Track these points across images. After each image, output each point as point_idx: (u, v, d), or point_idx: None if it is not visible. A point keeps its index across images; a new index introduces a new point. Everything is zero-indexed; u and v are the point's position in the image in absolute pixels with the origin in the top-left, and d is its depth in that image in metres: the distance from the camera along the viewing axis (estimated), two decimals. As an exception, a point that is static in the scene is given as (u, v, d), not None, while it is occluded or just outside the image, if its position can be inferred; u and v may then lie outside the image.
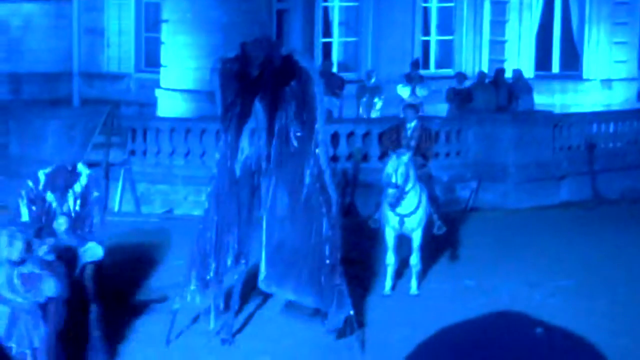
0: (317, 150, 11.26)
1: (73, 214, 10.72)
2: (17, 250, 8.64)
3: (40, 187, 10.86)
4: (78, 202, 10.81)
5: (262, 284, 11.74)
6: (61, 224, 10.48)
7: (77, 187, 10.86)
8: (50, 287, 8.71)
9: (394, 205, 13.14)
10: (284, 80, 11.27)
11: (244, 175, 11.56)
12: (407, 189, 13.10)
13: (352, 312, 11.26)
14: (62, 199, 10.81)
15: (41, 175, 10.98)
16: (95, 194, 10.96)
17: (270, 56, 11.22)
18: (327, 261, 11.17)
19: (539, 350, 10.76)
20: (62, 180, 10.88)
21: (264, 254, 11.64)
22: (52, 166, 11.12)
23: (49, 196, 10.82)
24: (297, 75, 11.24)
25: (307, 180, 11.28)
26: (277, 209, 11.52)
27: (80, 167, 11.16)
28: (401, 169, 12.94)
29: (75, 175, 10.95)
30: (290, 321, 11.94)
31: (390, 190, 13.00)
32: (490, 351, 10.78)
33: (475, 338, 11.40)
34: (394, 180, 12.93)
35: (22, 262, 8.67)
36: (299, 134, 11.30)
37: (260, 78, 11.25)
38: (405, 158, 13.02)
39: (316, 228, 11.22)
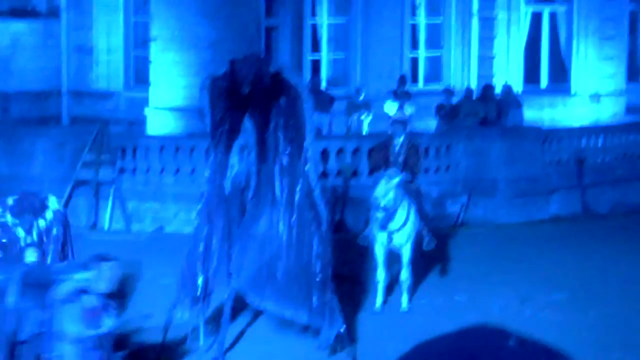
0: (306, 168, 11.29)
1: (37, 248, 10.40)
2: (66, 288, 8.54)
3: (7, 214, 10.64)
4: (43, 237, 10.58)
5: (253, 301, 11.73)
6: (30, 255, 10.13)
7: (42, 222, 10.65)
8: (110, 320, 8.61)
9: (383, 227, 13.20)
10: (273, 97, 11.30)
11: (234, 192, 11.57)
12: (396, 207, 13.13)
13: (343, 329, 11.26)
14: (28, 229, 10.58)
15: (10, 201, 10.78)
16: (54, 231, 10.68)
17: (259, 73, 11.26)
18: (318, 278, 11.18)
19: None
20: (29, 208, 10.66)
21: (255, 271, 11.61)
22: (19, 194, 10.94)
23: (12, 221, 10.60)
24: (286, 92, 11.27)
25: (297, 197, 11.29)
26: (266, 226, 11.47)
27: (52, 201, 10.94)
28: (390, 194, 13.00)
29: (43, 207, 10.73)
30: (282, 338, 11.92)
31: (379, 214, 13.06)
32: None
33: (466, 352, 11.40)
34: (382, 204, 12.98)
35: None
36: (288, 151, 11.31)
37: (250, 95, 11.27)
38: (395, 181, 13.06)
39: (307, 245, 11.23)
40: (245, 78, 11.22)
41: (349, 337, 11.39)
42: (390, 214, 13.09)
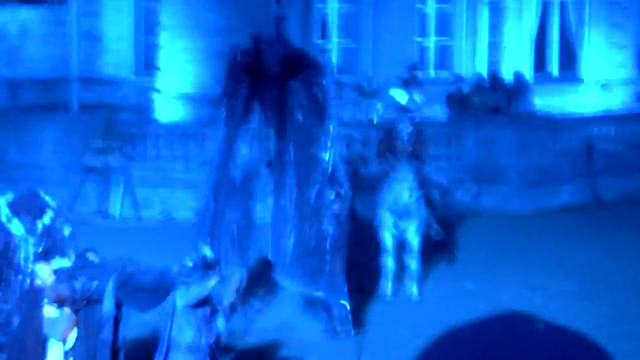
0: (328, 147, 11.14)
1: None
2: (193, 294, 8.37)
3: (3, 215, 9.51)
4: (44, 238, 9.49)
5: (276, 277, 11.69)
6: (40, 271, 8.81)
7: (40, 224, 9.51)
8: (221, 323, 8.50)
9: (395, 227, 13.29)
10: (297, 77, 11.15)
11: (243, 181, 11.50)
12: (408, 201, 13.20)
13: (347, 309, 11.30)
14: (30, 229, 9.46)
15: (9, 196, 9.69)
16: (55, 231, 9.49)
17: (286, 54, 11.15)
18: (329, 256, 11.14)
19: (543, 349, 10.75)
20: (29, 208, 9.54)
21: (277, 250, 11.54)
22: (14, 192, 9.84)
23: (7, 218, 9.48)
24: (310, 71, 11.14)
25: (319, 177, 11.20)
26: (287, 206, 11.40)
27: (49, 200, 9.75)
28: (403, 195, 13.07)
29: (42, 208, 9.58)
30: (294, 320, 11.91)
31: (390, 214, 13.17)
32: (495, 353, 10.76)
33: (478, 339, 11.38)
34: (394, 207, 13.09)
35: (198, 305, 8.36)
36: (310, 130, 11.17)
37: (275, 75, 11.14)
38: (406, 182, 13.11)
39: (323, 223, 11.18)
40: (271, 58, 11.11)
41: (354, 322, 11.41)
42: (401, 213, 13.19)
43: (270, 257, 11.69)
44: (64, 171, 17.87)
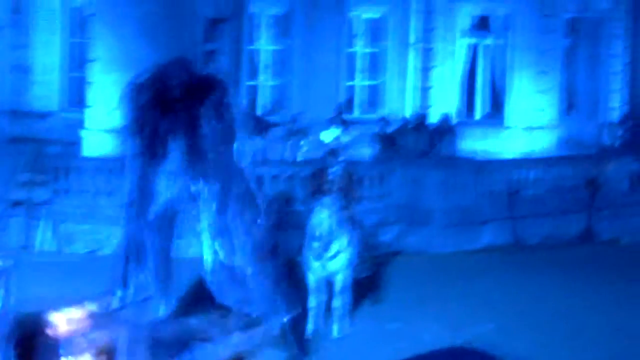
0: (240, 165, 10.89)
1: None
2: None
3: None
4: None
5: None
6: None
7: None
8: None
9: (318, 256, 13.28)
10: (203, 97, 10.75)
11: (161, 220, 10.96)
12: (331, 235, 13.21)
13: (287, 319, 11.13)
14: None
15: None
16: None
17: (188, 74, 10.79)
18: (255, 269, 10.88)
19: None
20: None
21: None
22: None
23: None
24: (214, 90, 10.78)
25: (235, 196, 10.87)
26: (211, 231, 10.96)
27: None
28: (326, 222, 13.08)
29: None
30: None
31: (315, 244, 13.15)
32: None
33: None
34: (318, 232, 13.08)
35: None
36: (222, 151, 10.81)
37: (180, 99, 10.72)
38: (329, 210, 13.15)
39: (249, 238, 10.85)
40: (174, 81, 10.73)
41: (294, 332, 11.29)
42: (326, 243, 13.19)
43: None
44: (-13, 204, 17.69)
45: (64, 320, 8.06)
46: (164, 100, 10.77)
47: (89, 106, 21.57)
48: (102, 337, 7.94)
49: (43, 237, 18.19)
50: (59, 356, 7.96)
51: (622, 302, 15.88)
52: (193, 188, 10.94)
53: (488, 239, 19.93)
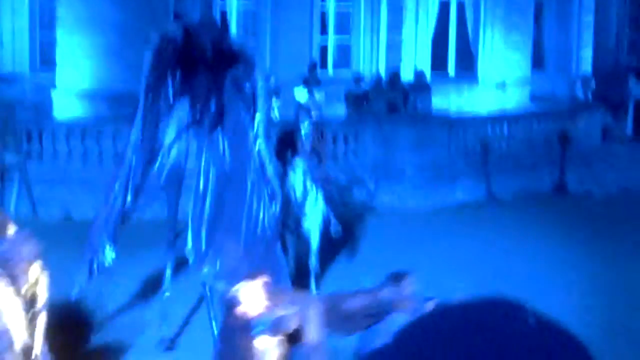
0: (257, 142, 10.58)
1: None
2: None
3: None
4: None
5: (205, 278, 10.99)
6: None
7: None
8: None
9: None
10: (229, 66, 10.48)
11: (171, 179, 10.81)
12: (305, 194, 13.24)
13: None
14: None
15: None
16: None
17: (218, 40, 10.44)
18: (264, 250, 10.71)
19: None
20: None
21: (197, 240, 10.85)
22: None
23: None
24: (241, 61, 10.49)
25: (249, 174, 10.58)
26: (218, 204, 10.75)
27: None
28: (299, 182, 13.11)
29: None
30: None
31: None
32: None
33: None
34: (298, 194, 13.12)
35: None
36: (240, 124, 10.57)
37: (206, 62, 10.40)
38: (300, 169, 13.16)
39: (258, 222, 10.57)
40: (202, 43, 10.33)
41: None
42: (300, 202, 13.22)
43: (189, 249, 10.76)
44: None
45: (250, 296, 7.54)
46: (189, 59, 10.39)
47: (58, 67, 21.43)
48: (291, 312, 7.49)
49: (15, 202, 18.11)
50: (251, 336, 7.54)
51: (595, 254, 16.02)
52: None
53: (461, 196, 20.01)
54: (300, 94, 21.22)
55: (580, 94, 26.42)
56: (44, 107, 21.51)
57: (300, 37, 23.36)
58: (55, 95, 21.48)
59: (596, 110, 23.48)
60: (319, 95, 21.36)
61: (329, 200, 13.79)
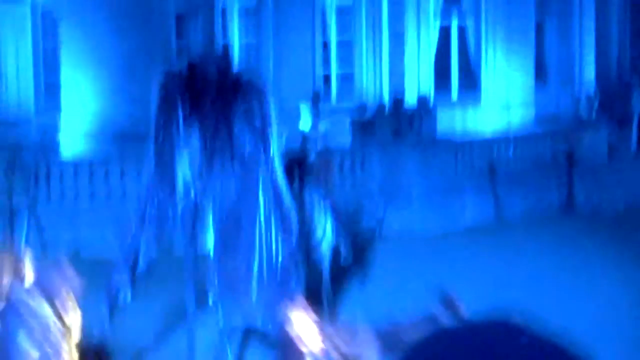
0: (275, 174, 10.44)
1: None
2: None
3: None
4: None
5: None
6: None
7: None
8: None
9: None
10: (237, 99, 10.33)
11: (185, 216, 10.55)
12: (312, 226, 13.25)
13: None
14: None
15: None
16: None
17: (223, 72, 10.33)
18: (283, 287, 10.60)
19: None
20: None
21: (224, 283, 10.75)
22: None
23: None
24: (250, 93, 10.35)
25: (262, 208, 10.41)
26: (229, 239, 10.59)
27: None
28: (307, 215, 13.12)
29: None
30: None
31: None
32: None
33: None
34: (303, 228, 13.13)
35: None
36: (253, 157, 10.38)
37: (212, 96, 10.29)
38: (308, 199, 13.17)
39: (272, 257, 10.48)
40: (208, 77, 10.24)
41: None
42: (311, 232, 13.24)
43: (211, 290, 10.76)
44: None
45: (308, 332, 7.58)
46: (196, 93, 10.31)
47: (63, 109, 21.54)
48: (353, 349, 7.46)
49: (27, 243, 18.12)
50: None
51: (607, 271, 15.97)
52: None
53: (470, 218, 19.99)
54: (306, 125, 21.29)
55: (584, 111, 26.42)
56: (50, 148, 21.59)
57: (303, 69, 23.44)
58: (62, 135, 21.57)
59: (601, 128, 23.47)
60: (323, 126, 21.41)
61: (337, 228, 13.78)
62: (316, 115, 21.49)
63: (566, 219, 20.63)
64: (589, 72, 27.21)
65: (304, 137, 16.92)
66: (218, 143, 10.49)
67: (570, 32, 26.97)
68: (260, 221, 10.46)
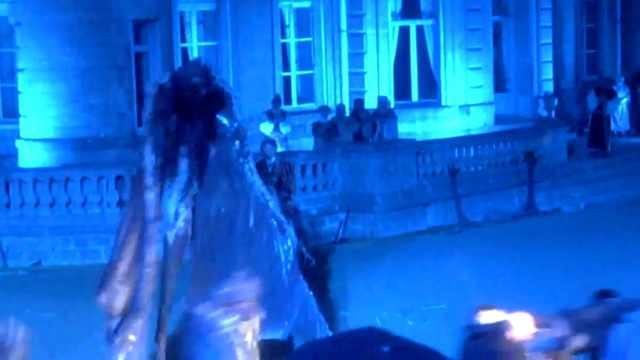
0: (255, 187, 10.27)
1: None
2: None
3: None
4: None
5: None
6: None
7: None
8: None
9: None
10: (217, 107, 10.10)
11: (176, 244, 10.08)
12: None
13: None
14: None
15: None
16: None
17: (205, 79, 10.02)
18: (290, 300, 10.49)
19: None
20: None
21: None
22: None
23: None
24: (226, 101, 10.14)
25: (251, 221, 10.24)
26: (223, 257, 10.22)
27: None
28: None
29: None
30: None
31: None
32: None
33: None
34: None
35: None
36: (232, 167, 10.17)
37: (198, 104, 9.99)
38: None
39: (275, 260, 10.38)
40: (194, 86, 9.93)
41: None
42: None
43: None
44: None
45: (518, 323, 8.47)
46: (184, 105, 10.03)
47: (21, 116, 21.37)
48: (556, 332, 8.46)
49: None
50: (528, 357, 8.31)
51: (567, 271, 16.07)
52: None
53: (432, 220, 20.03)
54: (266, 129, 21.24)
55: (543, 112, 26.58)
56: (9, 157, 21.42)
57: (263, 71, 23.39)
58: (20, 144, 21.39)
59: (560, 128, 23.61)
60: (284, 128, 21.38)
61: (299, 232, 13.77)
62: (277, 118, 21.45)
63: (527, 219, 20.74)
64: (547, 72, 27.37)
65: (265, 141, 16.85)
66: (203, 155, 10.20)
67: (527, 35, 27.12)
68: (251, 228, 10.29)
